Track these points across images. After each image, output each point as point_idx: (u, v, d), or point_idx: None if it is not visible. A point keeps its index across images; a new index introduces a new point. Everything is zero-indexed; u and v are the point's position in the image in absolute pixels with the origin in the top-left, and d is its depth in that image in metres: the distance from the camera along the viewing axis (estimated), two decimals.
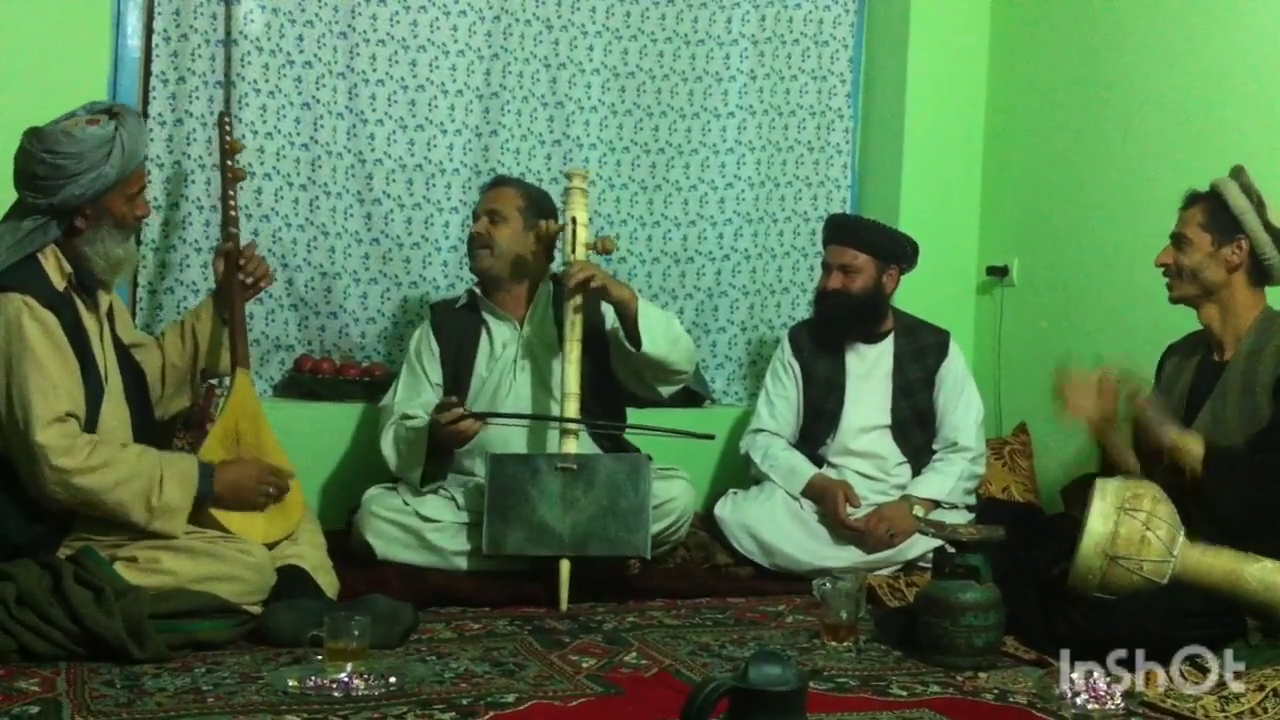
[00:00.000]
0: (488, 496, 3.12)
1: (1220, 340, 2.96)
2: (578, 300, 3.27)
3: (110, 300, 2.87)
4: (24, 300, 2.57)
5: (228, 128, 3.35)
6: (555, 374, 3.42)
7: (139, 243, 3.59)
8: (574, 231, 3.32)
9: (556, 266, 3.67)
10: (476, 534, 3.19)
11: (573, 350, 3.24)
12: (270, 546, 2.83)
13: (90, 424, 2.66)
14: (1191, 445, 2.80)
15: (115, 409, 2.73)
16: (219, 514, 2.79)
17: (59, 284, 2.67)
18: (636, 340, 3.30)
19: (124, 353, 2.87)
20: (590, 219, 3.41)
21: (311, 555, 2.91)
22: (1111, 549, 2.61)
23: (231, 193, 3.26)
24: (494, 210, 3.46)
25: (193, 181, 3.63)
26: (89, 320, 2.72)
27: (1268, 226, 2.87)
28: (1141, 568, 2.61)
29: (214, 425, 2.98)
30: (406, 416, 3.36)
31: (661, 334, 3.34)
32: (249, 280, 3.10)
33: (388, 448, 3.36)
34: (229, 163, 3.29)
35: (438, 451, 3.31)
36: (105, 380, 2.73)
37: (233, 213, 3.23)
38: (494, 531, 3.10)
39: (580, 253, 3.32)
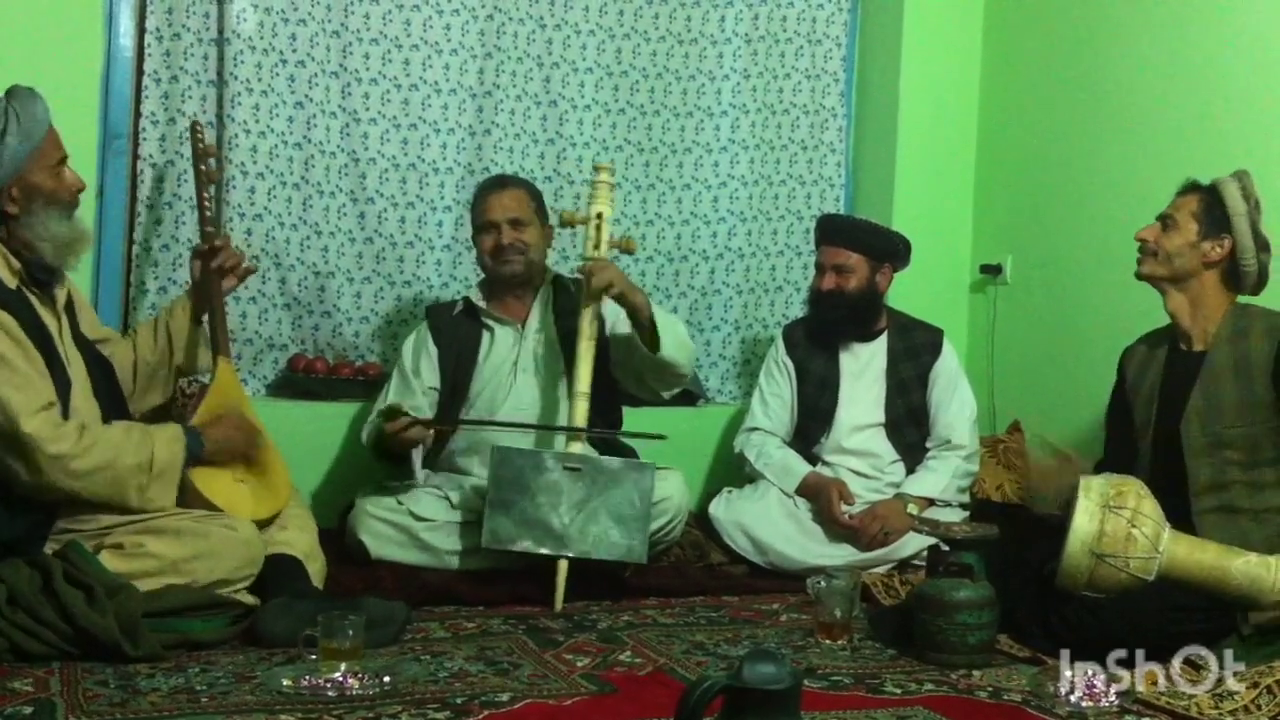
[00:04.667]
0: (490, 488, 3.09)
1: (1189, 332, 2.97)
2: (597, 301, 3.25)
3: (68, 294, 2.84)
4: None
5: (200, 134, 3.35)
6: (556, 376, 3.42)
7: (131, 242, 3.60)
8: (598, 227, 3.29)
9: (559, 266, 3.67)
10: (470, 533, 3.19)
11: (587, 350, 3.22)
12: (260, 527, 2.82)
13: (63, 417, 2.64)
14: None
15: (85, 404, 2.71)
16: (206, 491, 2.78)
17: (10, 282, 2.64)
18: (652, 343, 3.30)
19: (88, 347, 2.84)
20: (612, 215, 3.36)
21: (301, 541, 2.90)
22: (1098, 547, 2.62)
23: (206, 194, 3.27)
24: (516, 218, 3.43)
25: (185, 180, 3.61)
26: (47, 317, 2.70)
27: (1256, 233, 2.88)
28: (1128, 565, 2.61)
29: (197, 413, 2.99)
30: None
31: (676, 337, 3.34)
32: (228, 265, 3.10)
33: (367, 447, 3.40)
34: (201, 166, 3.30)
35: (391, 453, 3.31)
36: (70, 376, 2.70)
37: (208, 213, 3.25)
38: (494, 525, 3.08)
39: (604, 250, 3.29)
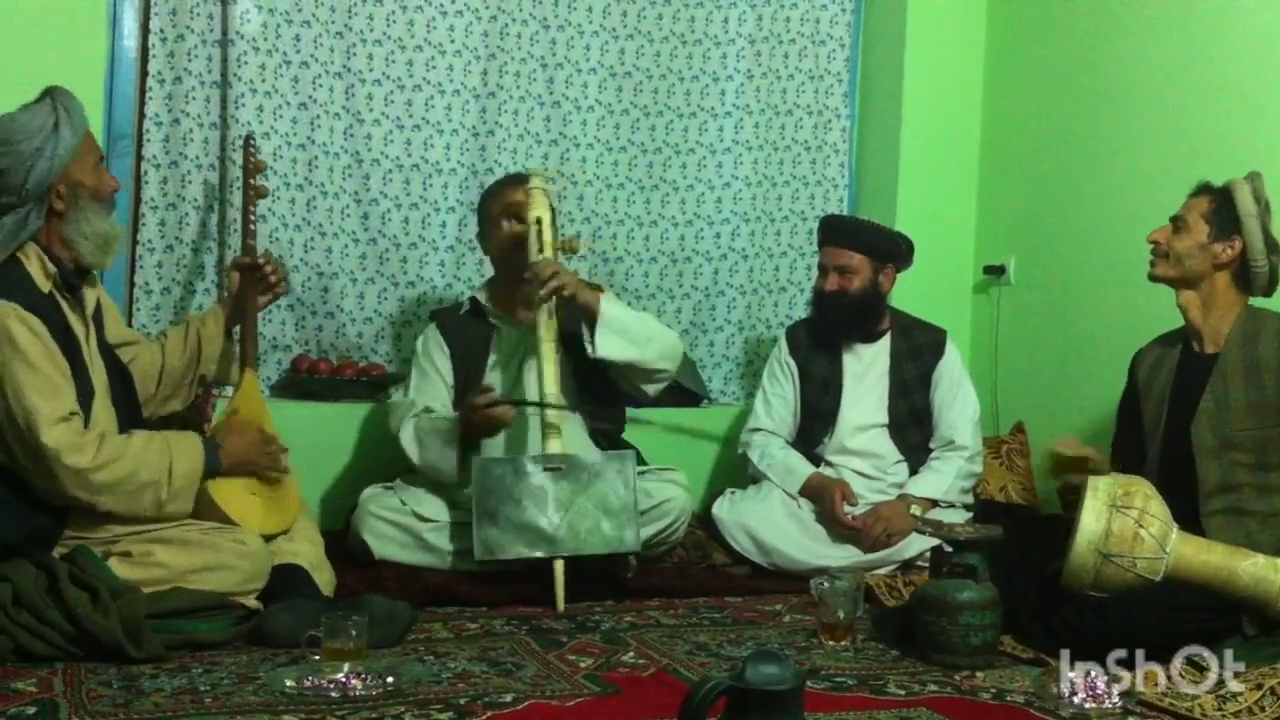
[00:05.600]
0: (475, 502, 3.09)
1: (1200, 333, 2.97)
2: (550, 302, 3.25)
3: (98, 298, 2.86)
4: (10, 306, 2.56)
5: (253, 149, 3.38)
6: (562, 373, 3.41)
7: (135, 242, 3.61)
8: (539, 233, 3.30)
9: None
10: (472, 534, 3.18)
11: (548, 350, 3.22)
12: (267, 540, 2.83)
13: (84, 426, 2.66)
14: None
15: (104, 413, 2.72)
16: (220, 501, 2.79)
17: (44, 285, 2.65)
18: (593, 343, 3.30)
19: (110, 354, 2.86)
20: (555, 218, 3.38)
21: (309, 552, 2.91)
22: (1105, 547, 2.61)
23: (252, 209, 3.30)
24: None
25: (189, 182, 3.63)
26: (75, 322, 2.71)
27: (1266, 234, 2.88)
28: (1135, 565, 2.61)
29: (215, 422, 3.01)
30: (429, 410, 3.35)
31: (633, 334, 3.32)
32: (272, 279, 3.15)
33: (410, 442, 3.33)
34: (251, 181, 3.34)
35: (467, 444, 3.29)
36: (93, 382, 2.71)
37: (251, 226, 3.28)
38: (485, 537, 3.07)
39: (548, 252, 3.30)
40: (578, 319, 3.34)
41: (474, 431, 3.25)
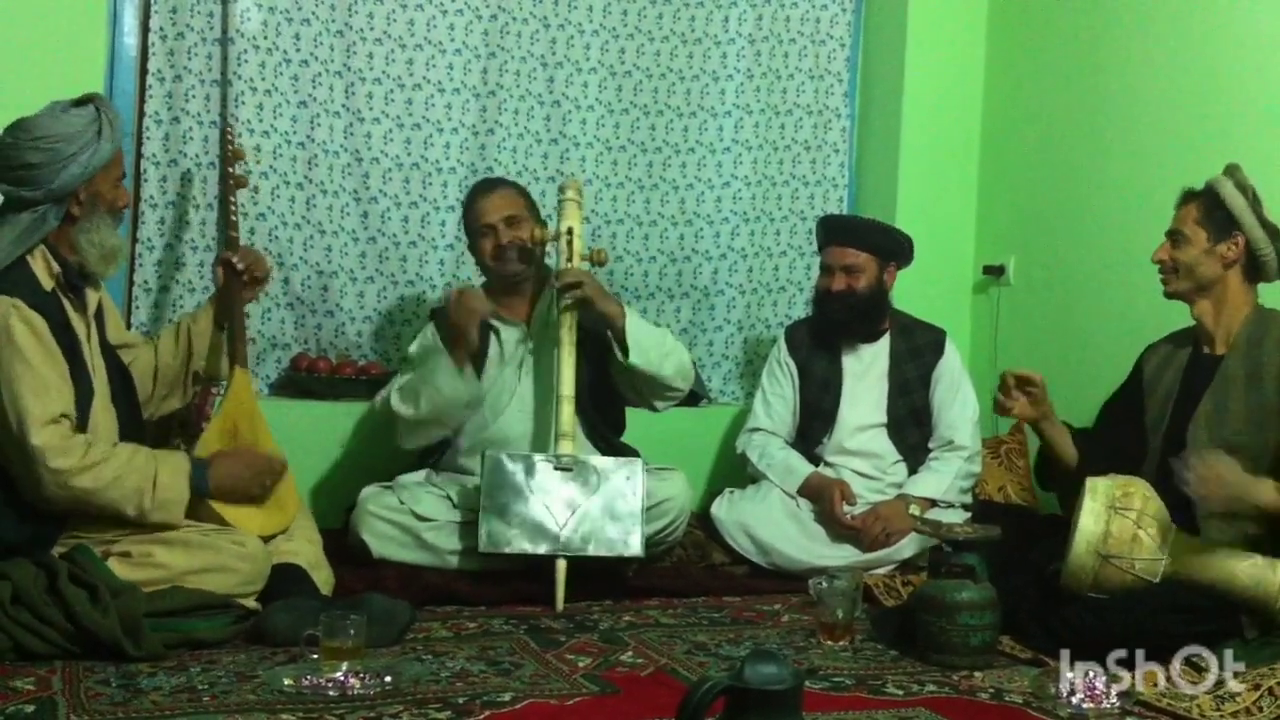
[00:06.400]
0: (484, 494, 3.12)
1: (1212, 335, 2.97)
2: (571, 304, 3.27)
3: (99, 299, 2.86)
4: (12, 303, 2.57)
5: (230, 136, 3.36)
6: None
7: (135, 240, 3.61)
8: (569, 242, 3.32)
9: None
10: (472, 533, 3.19)
11: (567, 354, 3.24)
12: (266, 540, 2.83)
13: (81, 426, 2.66)
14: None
15: (103, 412, 2.73)
16: (217, 505, 2.79)
17: (47, 284, 2.66)
18: (625, 351, 3.31)
19: (111, 354, 2.86)
20: (583, 230, 3.40)
21: (307, 551, 2.92)
22: (1104, 549, 2.61)
23: (232, 199, 3.29)
24: (512, 216, 3.43)
25: (189, 180, 3.63)
26: (77, 322, 2.72)
27: (1263, 222, 2.89)
28: (1134, 566, 2.61)
29: (210, 422, 3.00)
30: None
31: (652, 348, 3.34)
32: (245, 273, 3.12)
33: (401, 393, 3.32)
34: (230, 169, 3.31)
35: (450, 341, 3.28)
36: (94, 382, 2.72)
37: (233, 218, 3.26)
38: (490, 528, 3.10)
39: (576, 263, 3.32)
40: (601, 327, 3.35)
41: (459, 317, 3.22)
